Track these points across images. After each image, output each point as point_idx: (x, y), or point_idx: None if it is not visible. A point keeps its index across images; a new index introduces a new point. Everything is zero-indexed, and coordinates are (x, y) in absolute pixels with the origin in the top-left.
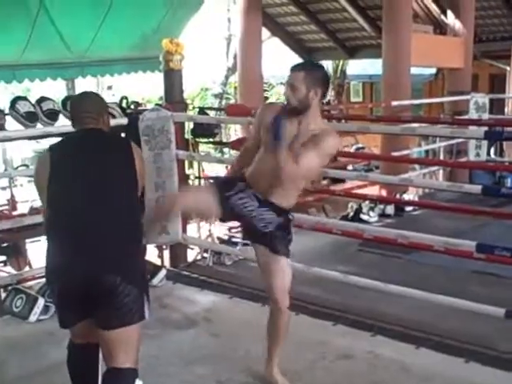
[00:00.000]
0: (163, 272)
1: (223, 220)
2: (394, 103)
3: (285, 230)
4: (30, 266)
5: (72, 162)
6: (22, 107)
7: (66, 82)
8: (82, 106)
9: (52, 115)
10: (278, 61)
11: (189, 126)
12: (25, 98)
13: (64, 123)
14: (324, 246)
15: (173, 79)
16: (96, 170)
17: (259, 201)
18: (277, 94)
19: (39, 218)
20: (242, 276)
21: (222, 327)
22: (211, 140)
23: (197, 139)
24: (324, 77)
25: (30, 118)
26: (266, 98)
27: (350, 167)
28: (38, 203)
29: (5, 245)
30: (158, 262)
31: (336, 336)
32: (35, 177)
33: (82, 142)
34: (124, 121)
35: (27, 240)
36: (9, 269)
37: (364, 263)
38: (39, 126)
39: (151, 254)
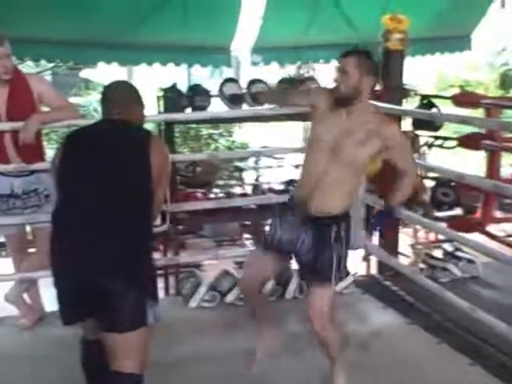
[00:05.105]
0: (349, 279)
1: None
2: None
3: (329, 247)
4: None
5: (78, 153)
6: (228, 89)
7: None
8: (107, 94)
9: None
10: None
11: None
12: (234, 80)
13: None
14: None
15: (389, 62)
16: (103, 165)
17: (302, 219)
18: None
19: None
20: (448, 300)
21: (369, 359)
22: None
23: (416, 132)
24: (376, 66)
25: (233, 100)
26: None
27: None
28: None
29: None
30: (362, 265)
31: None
32: (51, 162)
33: (95, 132)
34: None
35: None
36: None
37: None
38: None
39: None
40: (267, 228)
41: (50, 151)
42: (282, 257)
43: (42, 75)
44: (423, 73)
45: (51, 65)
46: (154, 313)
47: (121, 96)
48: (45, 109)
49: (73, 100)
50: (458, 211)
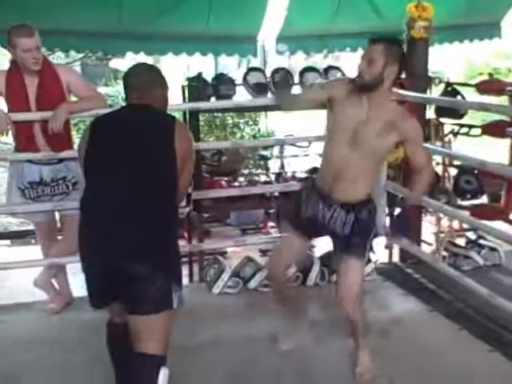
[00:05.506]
0: (370, 266)
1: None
2: None
3: (361, 229)
4: None
5: (102, 141)
6: (252, 78)
7: None
8: (128, 79)
9: (282, 86)
10: None
11: None
12: (258, 69)
13: None
14: None
15: (413, 50)
16: (128, 151)
17: (330, 201)
18: None
19: None
20: (469, 287)
21: (389, 345)
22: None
23: (441, 119)
24: (402, 55)
25: (258, 89)
26: None
27: None
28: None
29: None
30: (384, 253)
31: None
32: (77, 150)
33: (120, 117)
34: None
35: None
36: None
37: None
38: None
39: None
40: (290, 206)
41: (78, 141)
42: (309, 234)
43: (71, 66)
44: (452, 61)
45: (81, 55)
46: (178, 297)
47: (142, 81)
48: (74, 99)
49: (102, 90)
50: (483, 199)
